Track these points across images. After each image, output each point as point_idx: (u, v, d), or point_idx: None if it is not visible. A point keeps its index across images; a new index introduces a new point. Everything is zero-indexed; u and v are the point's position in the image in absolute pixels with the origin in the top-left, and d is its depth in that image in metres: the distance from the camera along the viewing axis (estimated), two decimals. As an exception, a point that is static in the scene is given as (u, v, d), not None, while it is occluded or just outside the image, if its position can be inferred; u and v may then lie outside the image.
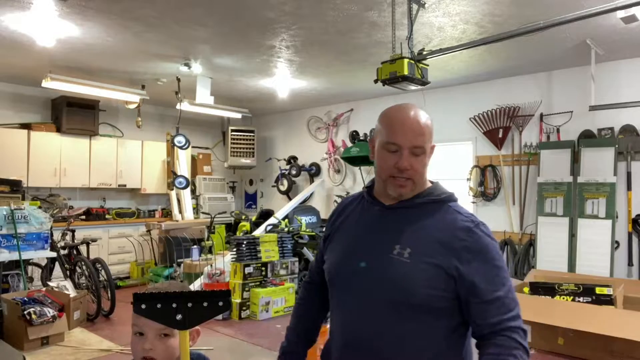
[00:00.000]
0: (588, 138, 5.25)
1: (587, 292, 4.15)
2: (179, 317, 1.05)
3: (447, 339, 1.22)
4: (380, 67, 3.51)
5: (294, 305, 1.61)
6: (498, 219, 5.93)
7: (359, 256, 1.27)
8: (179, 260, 6.20)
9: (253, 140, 8.42)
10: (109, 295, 5.04)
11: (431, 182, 1.34)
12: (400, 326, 1.20)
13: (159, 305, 1.05)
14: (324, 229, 1.55)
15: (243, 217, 8.03)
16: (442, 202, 1.28)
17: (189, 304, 1.06)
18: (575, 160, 5.26)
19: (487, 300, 1.16)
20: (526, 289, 4.51)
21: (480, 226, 1.24)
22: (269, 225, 6.58)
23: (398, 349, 1.20)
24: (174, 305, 1.05)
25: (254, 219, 7.62)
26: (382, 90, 6.33)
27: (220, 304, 1.08)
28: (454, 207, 1.29)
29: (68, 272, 5.38)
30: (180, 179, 6.92)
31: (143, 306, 1.06)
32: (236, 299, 5.15)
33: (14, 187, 4.97)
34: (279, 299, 5.28)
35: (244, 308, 5.15)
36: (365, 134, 7.26)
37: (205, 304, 1.07)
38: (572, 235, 5.15)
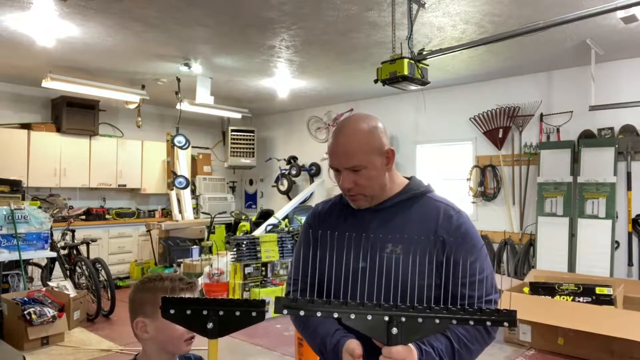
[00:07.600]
0: (588, 138, 5.25)
1: (587, 292, 4.15)
2: (209, 325, 1.00)
3: None
4: (380, 67, 3.51)
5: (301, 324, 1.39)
6: (498, 219, 5.94)
7: (357, 258, 1.29)
8: (178, 260, 6.20)
9: (253, 140, 8.42)
10: (109, 295, 5.03)
11: (407, 178, 1.39)
12: None
13: (188, 312, 1.00)
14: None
15: (243, 217, 8.03)
16: (422, 195, 1.35)
17: (221, 312, 1.00)
18: (575, 160, 5.26)
19: (464, 283, 1.22)
20: (526, 289, 4.51)
21: (461, 214, 1.31)
22: (269, 225, 6.58)
23: None
24: (205, 312, 1.00)
25: (254, 219, 7.62)
26: (382, 90, 6.33)
27: (254, 314, 1.01)
28: (433, 197, 1.35)
29: (68, 272, 5.38)
30: (180, 179, 6.92)
31: (172, 311, 1.00)
32: (236, 299, 5.15)
33: (14, 187, 4.97)
34: (279, 299, 5.28)
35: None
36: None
37: (237, 313, 1.01)
38: (572, 235, 5.14)
